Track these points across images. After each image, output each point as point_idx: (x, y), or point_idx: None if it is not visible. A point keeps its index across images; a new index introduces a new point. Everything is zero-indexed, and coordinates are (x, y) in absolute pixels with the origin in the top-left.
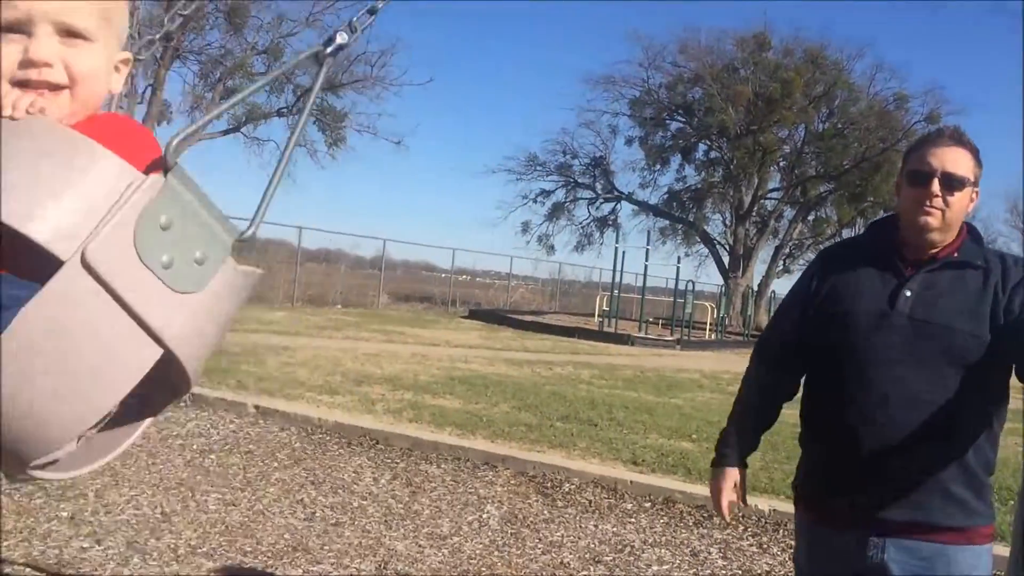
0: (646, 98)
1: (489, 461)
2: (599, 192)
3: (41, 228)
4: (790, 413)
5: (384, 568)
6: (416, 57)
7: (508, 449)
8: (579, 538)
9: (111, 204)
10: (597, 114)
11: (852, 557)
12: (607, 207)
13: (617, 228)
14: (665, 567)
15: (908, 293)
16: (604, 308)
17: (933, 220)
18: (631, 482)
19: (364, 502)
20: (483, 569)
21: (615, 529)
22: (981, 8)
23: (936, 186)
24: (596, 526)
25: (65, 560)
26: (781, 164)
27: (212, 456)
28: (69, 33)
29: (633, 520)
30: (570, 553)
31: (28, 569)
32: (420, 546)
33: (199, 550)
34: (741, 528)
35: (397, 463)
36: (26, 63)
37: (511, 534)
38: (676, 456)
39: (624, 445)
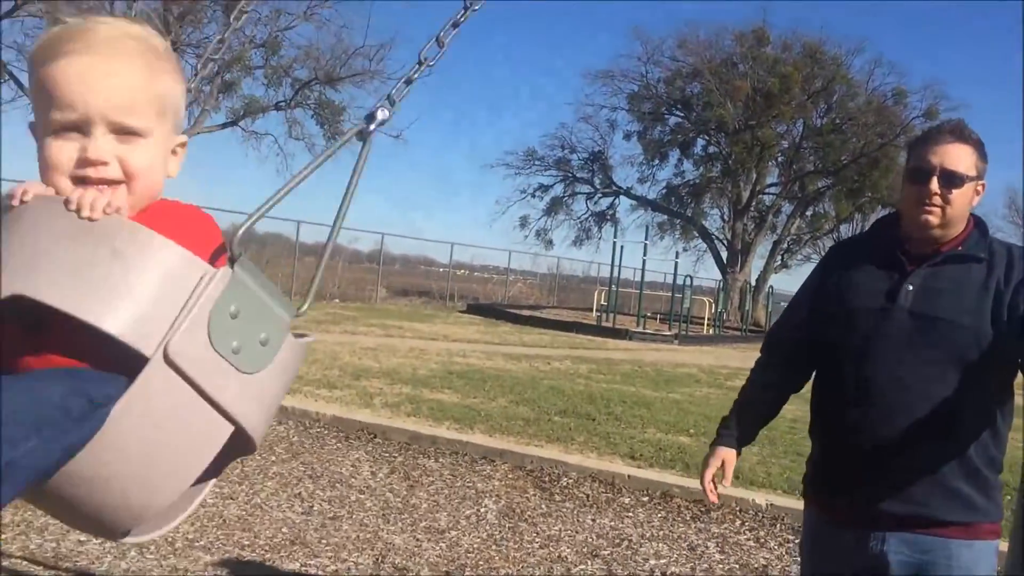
0: (644, 93)
1: (487, 455)
2: (597, 187)
3: (123, 327)
4: (788, 409)
5: (382, 561)
6: (415, 51)
7: (506, 443)
8: (577, 532)
9: (185, 298)
10: (596, 109)
11: (854, 551)
12: (605, 202)
13: (615, 223)
14: (663, 561)
15: (910, 288)
16: (602, 303)
17: (933, 218)
18: (629, 476)
19: (362, 496)
20: (480, 563)
21: (613, 523)
22: (980, 3)
23: (935, 184)
24: (594, 520)
25: (62, 553)
26: (779, 159)
27: None
28: (124, 132)
29: (631, 514)
30: (567, 547)
31: (25, 562)
32: (418, 540)
33: (196, 544)
34: (738, 522)
35: (395, 457)
36: (83, 162)
37: (509, 528)
38: (674, 450)
39: (622, 439)
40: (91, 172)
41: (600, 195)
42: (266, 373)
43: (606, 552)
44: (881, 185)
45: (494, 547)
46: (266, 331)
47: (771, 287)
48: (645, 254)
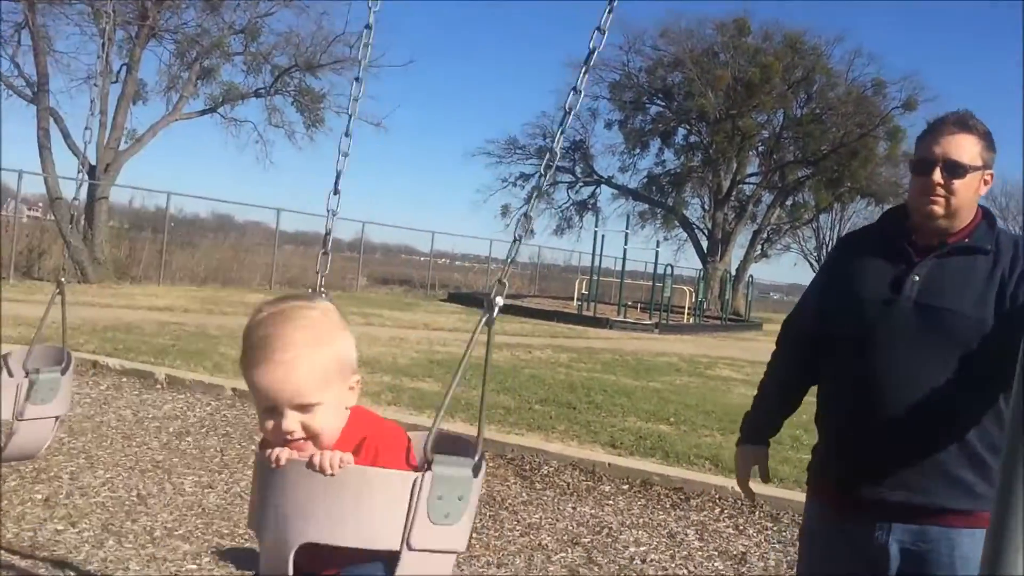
0: (626, 82)
1: None
2: (579, 176)
3: (380, 543)
4: None
5: None
6: (396, 39)
7: (487, 432)
8: (557, 520)
9: (408, 503)
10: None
11: (857, 541)
12: (587, 191)
13: (596, 212)
14: (642, 548)
15: (916, 278)
16: (583, 292)
17: (937, 208)
18: (609, 465)
19: None
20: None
21: (593, 511)
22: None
23: (938, 174)
24: (574, 508)
25: (39, 543)
26: (760, 149)
27: (189, 438)
28: (301, 408)
29: (611, 502)
30: (548, 535)
31: (2, 552)
32: None
33: (175, 532)
34: (717, 510)
35: None
36: (280, 434)
37: (490, 516)
38: (654, 439)
39: (602, 428)
40: (288, 438)
41: (581, 184)
42: (466, 512)
43: (586, 540)
44: (860, 175)
45: (474, 535)
46: (461, 491)
47: (751, 276)
48: (626, 243)
